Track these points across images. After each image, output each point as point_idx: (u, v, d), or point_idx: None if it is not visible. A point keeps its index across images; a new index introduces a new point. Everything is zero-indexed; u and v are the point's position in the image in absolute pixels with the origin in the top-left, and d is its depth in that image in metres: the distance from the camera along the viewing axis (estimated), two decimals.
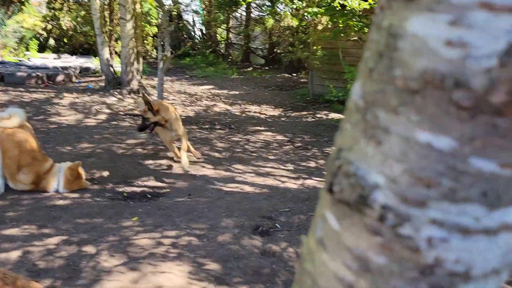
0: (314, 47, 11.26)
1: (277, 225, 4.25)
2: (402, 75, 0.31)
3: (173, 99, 11.89)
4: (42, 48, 19.46)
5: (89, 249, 3.48)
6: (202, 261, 3.42)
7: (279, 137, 8.35)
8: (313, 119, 10.20)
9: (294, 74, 17.09)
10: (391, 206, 0.32)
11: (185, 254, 3.52)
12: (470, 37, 0.28)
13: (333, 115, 10.46)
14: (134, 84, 11.38)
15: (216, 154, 6.81)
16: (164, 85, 8.58)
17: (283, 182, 5.67)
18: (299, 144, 7.89)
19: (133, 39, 10.88)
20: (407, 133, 0.30)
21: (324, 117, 10.44)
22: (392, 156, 0.31)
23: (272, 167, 6.32)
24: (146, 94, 5.45)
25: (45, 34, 19.62)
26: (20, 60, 15.89)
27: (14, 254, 3.32)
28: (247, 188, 5.32)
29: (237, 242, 3.80)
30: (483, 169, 0.29)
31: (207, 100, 12.12)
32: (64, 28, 19.09)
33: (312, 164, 6.69)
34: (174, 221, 4.15)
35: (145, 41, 16.89)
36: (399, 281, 0.31)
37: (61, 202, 4.48)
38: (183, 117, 9.63)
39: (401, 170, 0.31)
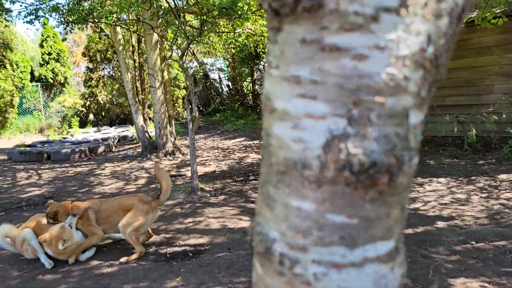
0: None
1: None
2: (275, 162, 0.42)
3: (207, 155, 12.25)
4: (83, 123, 20.75)
5: None
6: None
7: None
8: None
9: None
10: (285, 253, 0.42)
11: None
12: (305, 136, 0.39)
13: None
14: (169, 146, 11.87)
15: (252, 205, 6.91)
16: (197, 143, 8.90)
17: None
18: None
19: (164, 104, 11.48)
20: (285, 201, 0.41)
21: None
22: (280, 218, 0.42)
23: None
24: (50, 203, 5.41)
25: (84, 110, 20.95)
26: (64, 137, 16.96)
27: None
28: None
29: None
30: (336, 221, 0.39)
31: (240, 153, 12.40)
32: (101, 102, 20.35)
33: None
34: (217, 277, 4.22)
35: (175, 104, 17.68)
36: None
37: (108, 269, 4.66)
38: (217, 172, 9.90)
39: (286, 227, 0.41)
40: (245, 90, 23.71)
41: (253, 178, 9.00)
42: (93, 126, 20.40)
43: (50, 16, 10.85)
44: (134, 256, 4.94)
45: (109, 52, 19.11)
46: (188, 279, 4.23)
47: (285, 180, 0.41)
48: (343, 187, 0.38)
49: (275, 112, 0.42)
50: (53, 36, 22.31)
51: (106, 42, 18.68)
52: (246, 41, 13.93)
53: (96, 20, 10.39)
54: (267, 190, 0.44)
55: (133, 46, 14.47)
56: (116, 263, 4.83)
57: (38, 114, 21.88)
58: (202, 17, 7.95)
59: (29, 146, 14.52)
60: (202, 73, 23.07)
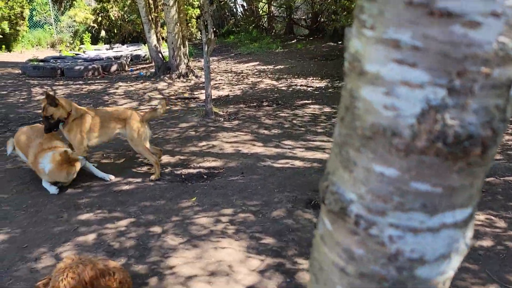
0: None
1: None
2: (360, 126, 0.41)
3: (220, 79, 12.13)
4: (94, 40, 20.39)
5: (155, 229, 3.79)
6: (258, 236, 3.63)
7: (327, 109, 8.35)
8: None
9: (340, 42, 16.72)
10: (362, 215, 0.43)
11: (242, 230, 3.74)
12: (398, 103, 0.38)
13: None
14: (182, 68, 11.72)
15: (265, 132, 6.97)
16: (210, 66, 8.78)
17: None
18: None
19: (178, 24, 11.13)
20: (367, 166, 0.41)
21: None
22: (360, 181, 0.42)
23: (321, 141, 6.39)
24: (49, 92, 5.22)
25: (96, 26, 20.47)
26: (76, 54, 16.76)
27: (91, 237, 3.70)
28: (298, 163, 5.45)
29: (291, 216, 3.96)
30: (420, 189, 0.39)
31: (253, 77, 12.25)
32: (113, 18, 19.80)
33: None
34: (230, 199, 4.39)
35: (189, 24, 17.17)
36: (374, 266, 0.42)
37: (126, 187, 4.85)
38: (231, 97, 9.85)
39: (366, 191, 0.42)
40: (261, 12, 22.82)
41: (266, 104, 8.98)
42: (105, 43, 20.07)
43: None
44: (157, 171, 5.15)
45: None
46: (202, 200, 4.41)
47: (370, 145, 0.41)
48: (432, 157, 0.38)
49: (366, 75, 0.40)
50: None
51: None
52: None
53: None
54: (346, 152, 0.44)
55: None
56: (133, 181, 5.02)
57: (49, 28, 21.47)
58: None
59: (42, 61, 14.43)
60: None
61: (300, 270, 3.13)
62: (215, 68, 14.13)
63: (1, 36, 18.11)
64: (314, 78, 11.64)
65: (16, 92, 10.34)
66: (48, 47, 20.55)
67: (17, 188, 4.91)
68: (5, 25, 18.03)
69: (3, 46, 18.81)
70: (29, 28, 20.49)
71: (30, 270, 3.26)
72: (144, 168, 5.48)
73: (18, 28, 19.05)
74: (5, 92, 10.25)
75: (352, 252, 0.46)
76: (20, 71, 13.35)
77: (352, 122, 0.44)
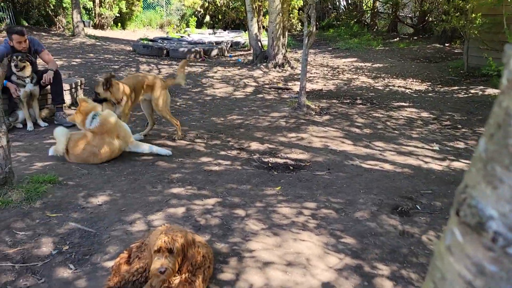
0: (473, 15, 10.16)
1: (417, 206, 4.17)
2: None
3: (315, 72, 12.07)
4: (199, 24, 21.39)
5: (239, 212, 3.94)
6: (339, 234, 3.60)
7: (425, 114, 7.93)
8: (465, 95, 9.36)
9: (447, 45, 15.68)
10: (501, 232, 0.43)
11: (323, 225, 3.73)
12: None
13: (490, 91, 9.44)
14: (279, 58, 11.84)
15: (356, 130, 6.82)
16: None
17: (426, 162, 5.46)
18: (447, 123, 7.39)
19: (280, 14, 11.24)
20: None
21: (480, 92, 9.49)
22: (504, 198, 0.41)
23: (415, 146, 6.11)
24: (111, 73, 5.65)
25: (202, 11, 21.45)
26: (181, 36, 17.73)
27: (180, 210, 3.95)
28: (387, 166, 5.27)
29: (375, 219, 3.87)
30: None
31: (349, 74, 12.00)
32: (219, 5, 20.56)
33: (461, 145, 6.25)
34: (314, 194, 4.39)
35: (290, 15, 17.25)
36: (506, 284, 0.42)
37: (216, 168, 5.08)
38: (324, 91, 9.77)
39: (509, 209, 0.41)
40: (364, 7, 22.14)
41: (360, 102, 8.76)
42: (208, 28, 20.96)
43: None
44: (179, 132, 6.05)
45: None
46: (287, 191, 4.47)
47: None
48: None
49: None
50: None
51: None
52: None
53: None
54: (492, 168, 0.44)
55: None
56: (223, 163, 5.24)
57: (160, 10, 22.97)
58: None
59: (151, 40, 15.50)
60: None
61: (378, 276, 3.06)
62: (311, 61, 14.07)
63: (118, 15, 19.79)
64: (414, 80, 11.08)
65: (126, 68, 11.24)
66: (157, 28, 22.00)
67: (119, 156, 5.39)
68: (123, 5, 19.66)
69: (119, 24, 20.56)
70: (143, 9, 22.10)
71: (125, 232, 3.58)
72: (234, 152, 5.68)
73: (133, 8, 20.65)
74: (117, 67, 11.19)
75: (483, 267, 0.46)
76: (131, 49, 14.47)
77: (503, 140, 0.43)
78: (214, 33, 19.06)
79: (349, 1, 22.90)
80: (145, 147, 5.35)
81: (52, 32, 17.33)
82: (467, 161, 5.48)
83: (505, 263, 0.43)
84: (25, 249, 3.36)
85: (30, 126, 6.64)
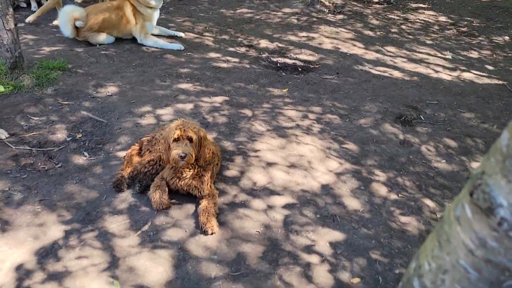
0: None
1: (421, 117, 4.25)
2: None
3: None
4: None
5: (246, 111, 4.02)
6: (341, 139, 3.73)
7: (442, 19, 7.60)
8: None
9: None
10: (507, 219, 0.49)
11: (327, 130, 3.85)
12: None
13: None
14: None
15: (369, 33, 6.61)
16: None
17: (436, 71, 5.40)
18: (464, 29, 7.12)
19: None
20: None
21: None
22: None
23: (427, 54, 5.98)
24: None
25: None
26: None
27: (188, 106, 4.04)
28: (396, 74, 5.23)
29: (378, 127, 3.97)
30: None
31: None
32: None
33: (475, 54, 6.10)
34: (320, 98, 4.44)
35: None
36: (503, 258, 0.49)
37: (224, 65, 5.05)
38: None
39: None
40: None
41: (376, 1, 8.33)
42: None
43: None
44: None
45: None
46: (294, 93, 4.51)
47: None
48: None
49: None
50: None
51: None
52: None
53: None
54: (510, 164, 0.48)
55: None
56: (231, 60, 5.19)
57: None
58: None
59: None
60: None
61: (375, 181, 3.24)
62: None
63: None
64: None
65: None
66: None
67: (128, 45, 5.31)
68: None
69: None
70: None
71: (136, 124, 3.70)
72: (243, 49, 5.59)
73: None
74: None
75: (485, 241, 0.53)
76: None
77: None
78: None
79: None
80: (159, 42, 5.29)
81: None
82: (478, 72, 5.42)
83: (505, 242, 0.50)
84: (40, 134, 3.52)
85: (34, 6, 6.43)
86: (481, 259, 0.54)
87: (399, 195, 3.14)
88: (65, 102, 3.99)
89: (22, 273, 2.29)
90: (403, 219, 2.92)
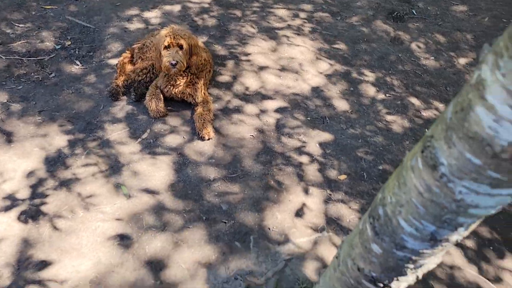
0: None
1: (413, 11, 4.18)
2: (467, 127, 0.53)
3: None
4: None
5: (236, 12, 3.93)
6: (332, 39, 3.72)
7: None
8: None
9: None
10: (446, 174, 0.60)
11: (318, 30, 3.81)
12: (500, 130, 0.48)
13: None
14: None
15: None
16: None
17: None
18: None
19: None
20: (461, 151, 0.54)
21: None
22: (453, 156, 0.57)
23: None
24: None
25: None
26: None
27: (176, 8, 3.92)
28: None
29: (369, 25, 3.93)
30: (492, 175, 0.54)
31: None
32: None
33: None
34: None
35: None
36: (443, 200, 0.61)
37: None
38: None
39: (454, 164, 0.57)
40: None
41: None
42: None
43: None
44: None
45: None
46: None
47: (469, 141, 0.55)
48: (508, 163, 0.52)
49: (484, 100, 0.50)
50: None
51: None
52: None
53: None
54: (451, 134, 0.57)
55: None
56: None
57: None
58: None
59: None
60: None
61: (364, 82, 3.33)
62: None
63: None
64: None
65: None
66: None
67: None
68: None
69: None
70: None
71: (124, 30, 3.63)
72: None
73: None
74: None
75: (431, 187, 0.65)
76: None
77: (462, 121, 0.56)
78: None
79: None
80: None
81: None
82: None
83: (444, 189, 0.62)
84: (28, 42, 3.47)
85: None
86: (427, 199, 0.67)
87: (387, 94, 3.26)
88: (48, 7, 3.85)
89: (34, 181, 2.48)
90: (389, 117, 3.08)
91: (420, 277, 0.89)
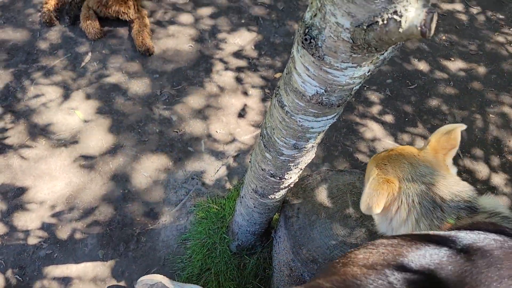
0: None
1: None
2: (290, 83, 0.79)
3: None
4: None
5: None
6: None
7: None
8: None
9: None
10: (289, 112, 0.89)
11: None
12: (306, 87, 0.75)
13: None
14: None
15: None
16: None
17: None
18: None
19: None
20: (293, 99, 0.82)
21: None
22: (290, 101, 0.84)
23: None
24: None
25: None
26: None
27: None
28: None
29: None
30: (312, 110, 0.83)
31: None
32: None
33: None
34: None
35: None
36: (293, 125, 0.91)
37: None
38: None
39: (291, 104, 0.85)
40: None
41: None
42: None
43: None
44: None
45: None
46: None
47: (293, 92, 0.81)
48: (317, 105, 0.79)
49: (296, 70, 0.75)
50: None
51: None
52: None
53: None
54: (285, 88, 0.83)
55: None
56: None
57: None
58: None
59: None
60: None
61: None
62: None
63: None
64: None
65: None
66: None
67: None
68: None
69: None
70: None
71: None
72: None
73: None
74: None
75: (284, 118, 0.93)
76: None
77: (289, 80, 0.80)
78: None
79: None
80: None
81: None
82: None
83: (291, 120, 0.90)
84: None
85: None
86: (284, 125, 0.96)
87: None
88: None
89: None
90: None
91: (303, 168, 1.23)
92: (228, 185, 2.45)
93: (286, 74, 0.82)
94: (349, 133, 2.72)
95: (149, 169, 2.47)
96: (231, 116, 2.71)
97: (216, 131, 2.64)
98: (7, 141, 2.52)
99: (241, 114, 2.72)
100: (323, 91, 0.73)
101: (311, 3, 0.65)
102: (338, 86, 0.72)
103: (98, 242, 2.24)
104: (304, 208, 1.58)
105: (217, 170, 2.50)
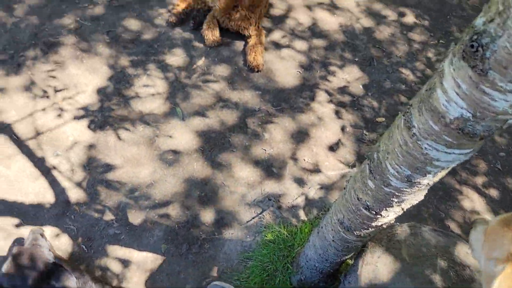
0: None
1: None
2: (430, 100, 0.70)
3: None
4: None
5: None
6: None
7: None
8: None
9: None
10: (416, 134, 0.78)
11: None
12: (449, 107, 0.64)
13: None
14: None
15: None
16: None
17: None
18: None
19: None
20: (426, 120, 0.73)
21: None
22: (421, 121, 0.74)
23: None
24: None
25: None
26: None
27: None
28: None
29: None
30: (445, 138, 0.72)
31: None
32: None
33: None
34: None
35: None
36: (415, 152, 0.80)
37: None
38: None
39: (422, 126, 0.75)
40: None
41: None
42: None
43: None
44: None
45: None
46: None
47: (432, 115, 0.72)
48: (455, 132, 0.69)
49: (442, 85, 0.66)
50: None
51: None
52: None
53: None
54: (421, 106, 0.75)
55: None
56: None
57: None
58: None
59: None
60: None
61: (419, 26, 3.30)
62: None
63: None
64: None
65: None
66: None
67: None
68: None
69: None
70: None
71: None
72: None
73: None
74: None
75: (407, 142, 0.83)
76: None
77: (429, 97, 0.71)
78: None
79: None
80: None
81: None
82: None
83: (415, 145, 0.80)
84: None
85: None
86: (404, 150, 0.85)
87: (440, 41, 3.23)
88: None
89: (102, 96, 2.81)
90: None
91: (405, 209, 1.10)
92: (302, 216, 2.35)
93: (426, 90, 0.74)
94: (445, 197, 2.49)
95: (229, 179, 2.45)
96: (322, 148, 2.62)
97: (304, 159, 2.56)
98: (110, 120, 2.67)
99: (333, 148, 2.63)
100: (470, 115, 0.63)
101: (489, 7, 0.56)
102: (492, 113, 0.61)
103: (164, 236, 2.25)
104: (386, 258, 1.43)
105: (296, 198, 2.41)
